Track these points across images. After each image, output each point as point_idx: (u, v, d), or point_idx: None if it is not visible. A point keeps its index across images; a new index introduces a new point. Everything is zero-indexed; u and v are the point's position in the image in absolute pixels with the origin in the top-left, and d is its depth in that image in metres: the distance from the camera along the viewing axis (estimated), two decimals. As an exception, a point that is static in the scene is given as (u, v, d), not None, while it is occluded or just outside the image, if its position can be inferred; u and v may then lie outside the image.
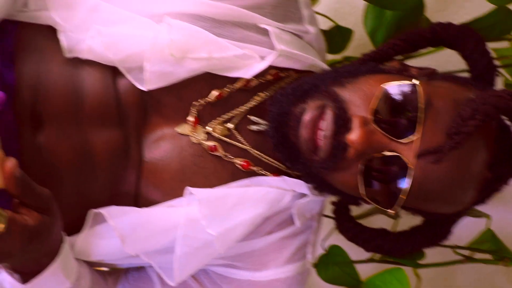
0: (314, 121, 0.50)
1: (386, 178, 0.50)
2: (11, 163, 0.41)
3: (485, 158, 0.49)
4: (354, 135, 0.47)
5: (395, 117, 0.49)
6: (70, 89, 0.52)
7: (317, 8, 0.72)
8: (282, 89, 0.56)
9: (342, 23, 0.77)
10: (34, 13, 0.54)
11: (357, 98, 0.50)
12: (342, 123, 0.48)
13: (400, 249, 0.61)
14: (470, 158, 0.49)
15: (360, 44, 0.77)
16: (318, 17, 0.63)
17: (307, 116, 0.50)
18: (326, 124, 0.49)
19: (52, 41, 0.52)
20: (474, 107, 0.45)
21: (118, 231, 0.51)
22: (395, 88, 0.48)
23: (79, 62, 0.53)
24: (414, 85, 0.47)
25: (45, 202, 0.45)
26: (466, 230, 0.73)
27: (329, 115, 0.49)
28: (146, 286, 0.61)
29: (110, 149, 0.54)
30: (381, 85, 0.48)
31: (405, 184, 0.46)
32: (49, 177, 0.51)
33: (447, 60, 0.69)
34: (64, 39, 0.51)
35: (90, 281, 0.55)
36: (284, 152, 0.54)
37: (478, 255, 0.71)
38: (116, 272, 0.65)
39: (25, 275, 0.49)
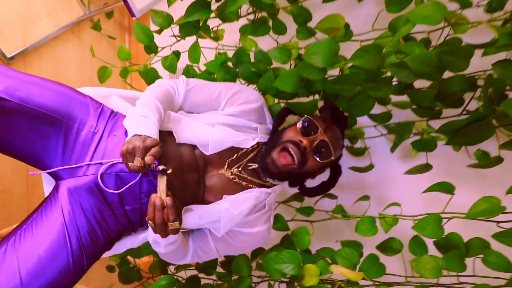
0: (285, 155, 1.00)
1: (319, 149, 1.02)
2: (169, 198, 0.86)
3: (337, 129, 1.07)
4: (305, 142, 0.99)
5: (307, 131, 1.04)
6: (179, 157, 0.99)
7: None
8: (263, 151, 1.05)
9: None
10: (165, 125, 0.99)
11: (293, 135, 1.03)
12: (299, 145, 0.98)
13: (322, 191, 1.16)
14: (333, 128, 1.05)
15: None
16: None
17: (280, 156, 1.01)
18: (294, 151, 0.98)
19: (170, 137, 1.00)
20: (324, 116, 1.07)
21: (198, 215, 1.00)
22: (301, 123, 1.04)
23: (181, 144, 1.00)
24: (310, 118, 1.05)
25: (179, 213, 0.89)
26: (330, 204, 1.25)
27: (293, 147, 0.99)
28: (204, 237, 1.04)
29: (193, 181, 1.02)
30: (296, 125, 1.05)
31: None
32: (174, 195, 0.95)
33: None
34: (175, 136, 0.99)
35: (181, 239, 1.03)
36: (273, 176, 1.05)
37: (337, 216, 1.20)
38: (188, 232, 1.08)
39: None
